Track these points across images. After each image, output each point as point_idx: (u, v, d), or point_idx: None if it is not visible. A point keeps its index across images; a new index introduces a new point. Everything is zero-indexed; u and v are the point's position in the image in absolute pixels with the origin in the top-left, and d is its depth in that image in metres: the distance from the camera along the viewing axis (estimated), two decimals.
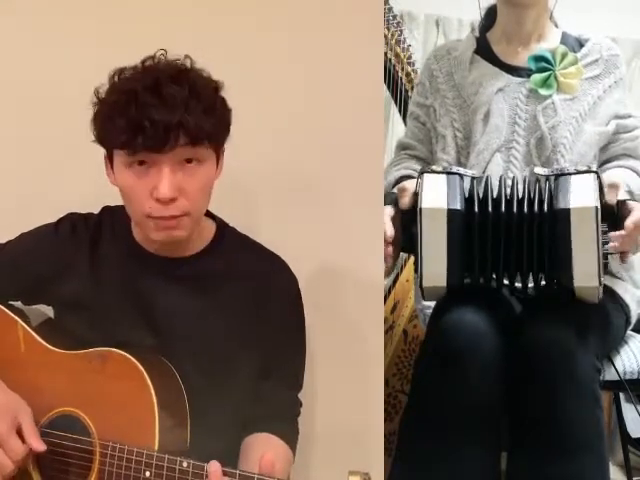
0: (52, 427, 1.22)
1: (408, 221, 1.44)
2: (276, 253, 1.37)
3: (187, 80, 1.17)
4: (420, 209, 1.38)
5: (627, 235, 1.35)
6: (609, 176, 1.49)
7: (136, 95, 1.13)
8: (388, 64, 2.13)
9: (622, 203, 1.39)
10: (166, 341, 1.27)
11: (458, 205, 1.37)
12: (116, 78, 1.19)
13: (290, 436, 1.32)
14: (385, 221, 1.46)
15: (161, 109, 1.12)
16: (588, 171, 1.41)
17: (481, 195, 1.41)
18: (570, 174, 1.41)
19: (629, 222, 1.36)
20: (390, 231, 1.45)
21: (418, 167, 1.69)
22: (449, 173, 1.44)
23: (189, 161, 1.17)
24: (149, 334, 1.27)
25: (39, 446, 1.18)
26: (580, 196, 1.35)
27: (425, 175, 1.44)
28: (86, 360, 1.23)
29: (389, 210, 1.49)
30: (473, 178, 1.44)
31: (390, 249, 1.45)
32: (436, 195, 1.39)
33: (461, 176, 1.43)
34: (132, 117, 1.12)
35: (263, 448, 1.21)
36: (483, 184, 1.43)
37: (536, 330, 1.40)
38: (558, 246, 1.35)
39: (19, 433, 1.18)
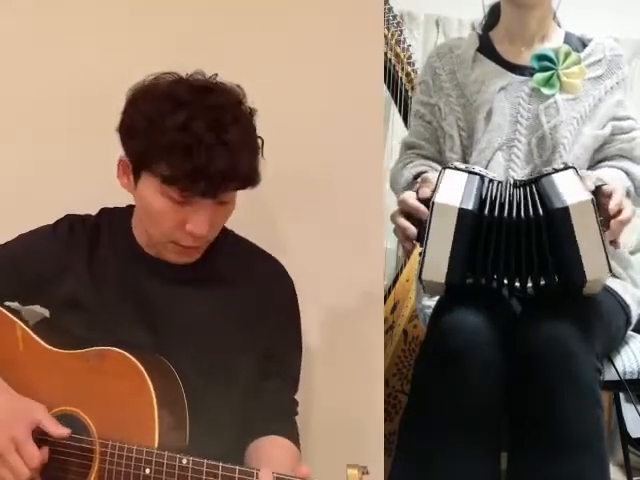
0: None
1: None
2: (274, 256, 1.37)
3: (243, 120, 1.17)
4: (432, 203, 1.37)
5: (614, 216, 1.35)
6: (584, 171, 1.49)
7: (191, 121, 1.10)
8: (388, 64, 2.13)
9: (598, 189, 1.39)
10: (165, 342, 1.27)
11: (470, 205, 1.37)
12: (161, 93, 1.15)
13: (295, 435, 1.33)
14: (415, 203, 1.43)
15: (221, 153, 1.10)
16: (566, 168, 1.40)
17: (493, 198, 1.41)
18: (550, 174, 1.40)
19: (612, 205, 1.36)
20: (423, 209, 1.41)
21: (433, 164, 1.69)
22: (471, 172, 1.43)
23: (222, 203, 1.19)
24: (148, 335, 1.27)
25: (64, 431, 1.17)
26: (572, 192, 1.35)
27: (447, 170, 1.43)
28: (85, 359, 1.23)
29: (413, 194, 1.45)
30: (491, 180, 1.43)
31: (414, 230, 1.43)
32: (452, 192, 1.38)
33: (482, 177, 1.43)
34: (197, 162, 1.09)
35: (281, 453, 1.25)
36: (496, 187, 1.42)
37: (536, 330, 1.40)
38: (563, 245, 1.34)
39: (33, 436, 1.18)
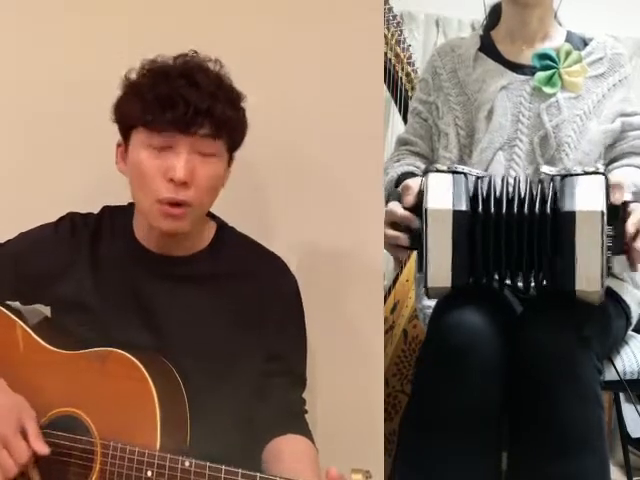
0: (52, 427, 1.22)
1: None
2: (276, 253, 1.37)
3: (216, 73, 1.23)
4: (426, 210, 1.36)
5: (629, 238, 1.34)
6: (615, 175, 1.47)
7: (168, 75, 1.18)
8: (388, 64, 2.13)
9: (625, 205, 1.38)
10: (166, 341, 1.27)
11: (463, 206, 1.36)
12: (147, 65, 1.22)
13: (310, 433, 1.33)
14: (399, 212, 1.43)
15: (193, 92, 1.16)
16: (596, 172, 1.38)
17: (485, 195, 1.40)
18: (577, 175, 1.38)
19: (629, 224, 1.34)
20: (413, 217, 1.41)
21: (420, 164, 1.68)
22: (454, 172, 1.42)
23: (204, 154, 1.20)
24: (149, 333, 1.27)
25: (43, 449, 1.18)
26: (586, 199, 1.33)
27: (430, 174, 1.42)
28: (86, 360, 1.23)
29: (399, 204, 1.46)
30: (477, 177, 1.43)
31: (406, 239, 1.42)
32: (441, 195, 1.37)
33: (466, 175, 1.42)
34: (164, 93, 1.16)
35: (301, 453, 1.26)
36: (487, 183, 1.42)
37: (537, 330, 1.40)
38: (562, 248, 1.33)
39: (23, 435, 1.18)
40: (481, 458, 1.41)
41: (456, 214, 1.36)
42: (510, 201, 1.38)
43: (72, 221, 1.33)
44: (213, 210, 1.35)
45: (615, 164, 1.61)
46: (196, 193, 1.20)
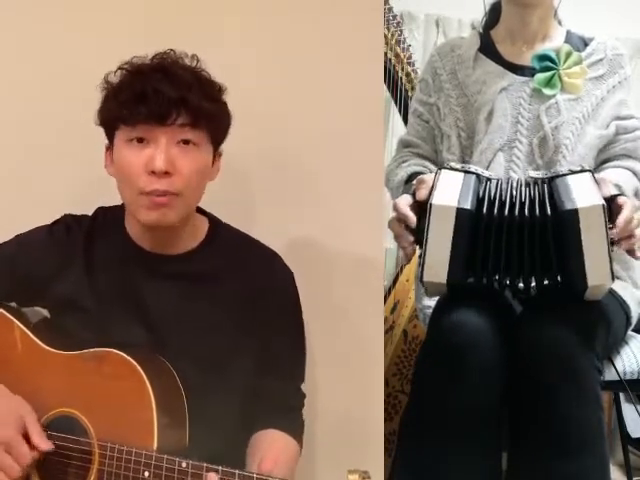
0: (50, 428, 1.22)
1: (422, 213, 1.43)
2: (273, 249, 1.37)
3: (192, 68, 1.24)
4: (430, 204, 1.37)
5: (621, 232, 1.35)
6: (601, 174, 1.48)
7: (142, 73, 1.20)
8: (388, 64, 2.13)
9: (612, 198, 1.39)
10: (163, 339, 1.27)
11: (468, 205, 1.36)
12: (123, 66, 1.23)
13: (295, 428, 1.33)
14: (405, 210, 1.42)
15: (165, 83, 1.17)
16: (582, 170, 1.40)
17: (492, 197, 1.40)
18: (565, 175, 1.40)
19: (620, 219, 1.35)
20: (412, 217, 1.41)
21: (428, 164, 1.69)
22: (467, 172, 1.43)
23: (186, 142, 1.20)
24: (146, 332, 1.27)
25: (47, 446, 1.19)
26: (584, 196, 1.34)
27: (442, 171, 1.43)
28: (84, 360, 1.23)
29: (408, 199, 1.45)
30: (488, 179, 1.43)
31: (410, 237, 1.42)
32: (449, 192, 1.38)
33: (478, 176, 1.43)
34: (137, 89, 1.17)
35: (267, 447, 1.25)
36: (495, 185, 1.42)
37: (537, 330, 1.40)
38: (568, 248, 1.34)
39: (25, 435, 1.18)
40: (481, 458, 1.40)
41: (459, 212, 1.36)
42: (513, 204, 1.38)
43: (67, 223, 1.33)
44: (208, 209, 1.35)
45: (605, 165, 1.62)
46: (179, 182, 1.19)
